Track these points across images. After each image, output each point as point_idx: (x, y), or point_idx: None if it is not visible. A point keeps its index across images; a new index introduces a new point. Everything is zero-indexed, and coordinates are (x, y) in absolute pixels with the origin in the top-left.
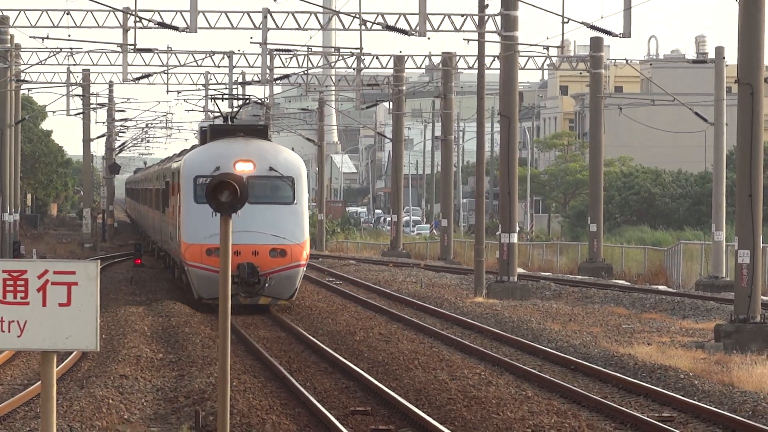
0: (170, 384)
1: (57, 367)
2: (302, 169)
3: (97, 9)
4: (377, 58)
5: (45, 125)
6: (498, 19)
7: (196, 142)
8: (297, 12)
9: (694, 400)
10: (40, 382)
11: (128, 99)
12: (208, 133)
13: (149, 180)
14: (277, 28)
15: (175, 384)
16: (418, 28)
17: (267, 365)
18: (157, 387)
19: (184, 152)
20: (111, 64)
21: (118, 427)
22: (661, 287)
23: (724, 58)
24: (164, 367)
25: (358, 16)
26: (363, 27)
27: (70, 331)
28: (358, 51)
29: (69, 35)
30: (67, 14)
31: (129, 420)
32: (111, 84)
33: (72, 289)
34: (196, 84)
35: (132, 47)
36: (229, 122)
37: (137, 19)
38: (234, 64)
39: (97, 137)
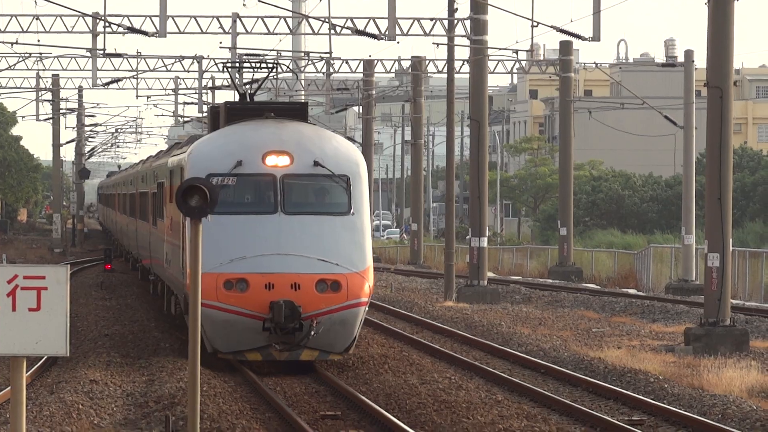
0: (140, 389)
1: (27, 372)
2: (361, 165)
3: (67, 14)
4: (347, 62)
5: (15, 131)
6: (467, 23)
7: (165, 147)
8: (266, 16)
9: (664, 404)
10: (9, 388)
11: (98, 104)
12: (224, 114)
13: (131, 183)
14: (247, 32)
15: (145, 389)
16: (387, 33)
17: (237, 369)
18: (127, 392)
19: (189, 141)
20: (80, 69)
21: None
22: (631, 291)
23: (693, 61)
24: (134, 372)
25: (327, 20)
26: (332, 31)
27: (39, 336)
28: (328, 55)
29: (38, 40)
30: (36, 19)
31: (99, 425)
32: (80, 89)
33: (42, 294)
34: (165, 89)
35: (101, 52)
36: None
37: (106, 24)
38: (204, 69)
39: (67, 142)
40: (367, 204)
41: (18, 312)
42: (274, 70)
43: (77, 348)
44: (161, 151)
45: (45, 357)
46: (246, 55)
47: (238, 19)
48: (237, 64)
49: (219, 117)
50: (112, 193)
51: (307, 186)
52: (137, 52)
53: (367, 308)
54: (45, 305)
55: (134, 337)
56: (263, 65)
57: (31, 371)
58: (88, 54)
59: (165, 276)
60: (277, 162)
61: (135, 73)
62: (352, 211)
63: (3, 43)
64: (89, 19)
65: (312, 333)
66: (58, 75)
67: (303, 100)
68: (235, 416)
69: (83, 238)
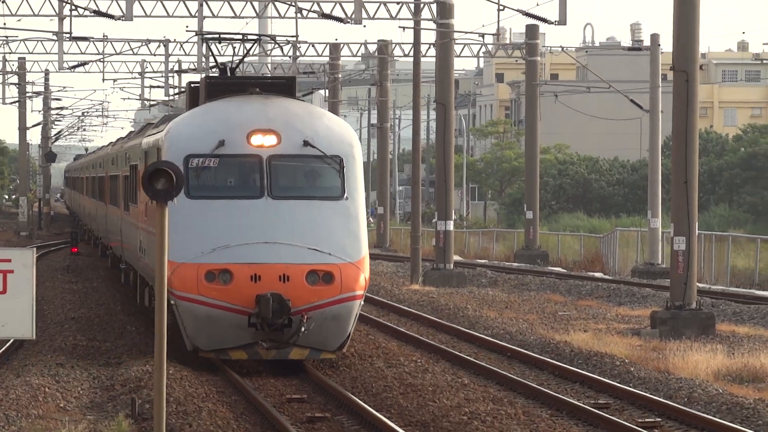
0: (107, 372)
1: None
2: (355, 146)
3: None
4: (313, 46)
5: None
6: (433, 6)
7: (131, 130)
8: (233, 0)
9: (630, 387)
10: None
11: (64, 87)
12: (204, 90)
13: (100, 165)
14: (213, 16)
15: (111, 372)
16: (353, 16)
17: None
18: (93, 375)
19: (165, 120)
20: (47, 53)
21: (54, 415)
22: (597, 274)
23: (659, 45)
24: (101, 355)
25: (293, 3)
26: (299, 15)
27: (5, 319)
28: (294, 39)
29: (4, 23)
30: (2, 2)
31: (65, 408)
32: (47, 72)
33: (7, 277)
34: (132, 72)
35: (68, 35)
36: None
37: (73, 7)
38: (170, 53)
39: (33, 125)
40: (362, 188)
41: None
42: (257, 44)
43: (43, 331)
44: (132, 131)
45: (11, 340)
46: (213, 38)
47: (204, 3)
48: (217, 37)
49: (198, 94)
50: (80, 176)
51: (296, 168)
52: (104, 36)
53: (362, 302)
54: (11, 288)
55: (100, 321)
56: (244, 38)
57: None
58: (55, 37)
59: (139, 266)
60: (263, 142)
61: (101, 56)
62: (345, 195)
63: None
64: (56, 3)
65: (302, 329)
66: (24, 58)
67: (290, 75)
68: (201, 399)
69: (50, 221)
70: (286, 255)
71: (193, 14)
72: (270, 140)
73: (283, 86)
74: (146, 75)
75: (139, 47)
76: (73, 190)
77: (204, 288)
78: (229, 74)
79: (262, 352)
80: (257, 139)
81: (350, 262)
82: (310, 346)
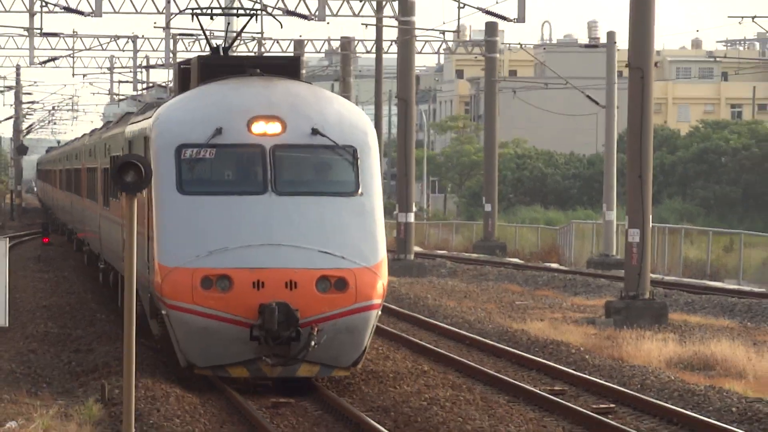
0: (77, 358)
1: None
2: (370, 134)
3: None
4: (277, 42)
5: None
6: (395, 4)
7: (102, 123)
8: None
9: (585, 374)
10: None
11: (35, 82)
12: (196, 71)
13: (75, 157)
14: (180, 12)
15: (81, 358)
16: (317, 13)
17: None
18: (64, 361)
19: (148, 107)
20: (18, 48)
21: (26, 400)
22: (554, 265)
23: (615, 42)
24: (71, 342)
25: (259, 1)
26: (263, 12)
27: None
28: (259, 35)
29: None
30: None
31: (37, 393)
32: (18, 67)
33: None
34: (101, 67)
35: (38, 31)
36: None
37: (43, 3)
38: (138, 48)
39: (5, 119)
40: (379, 182)
41: None
42: (255, 17)
43: (16, 319)
44: (110, 122)
45: None
46: (179, 35)
47: (172, 0)
48: (210, 11)
49: (190, 76)
50: (53, 168)
51: (304, 159)
52: (73, 32)
53: (380, 312)
54: None
55: (71, 309)
56: (242, 11)
57: None
58: (26, 33)
59: (120, 267)
60: (266, 129)
61: (71, 52)
62: (359, 190)
63: None
64: None
65: (312, 344)
66: (17, 74)
67: (294, 55)
68: (170, 384)
69: (21, 213)
70: (293, 259)
71: (160, 11)
72: (274, 128)
73: (286, 67)
74: (115, 70)
75: (108, 43)
76: (46, 183)
77: (200, 296)
78: (221, 54)
79: (266, 369)
80: (259, 127)
81: (366, 267)
82: (320, 362)
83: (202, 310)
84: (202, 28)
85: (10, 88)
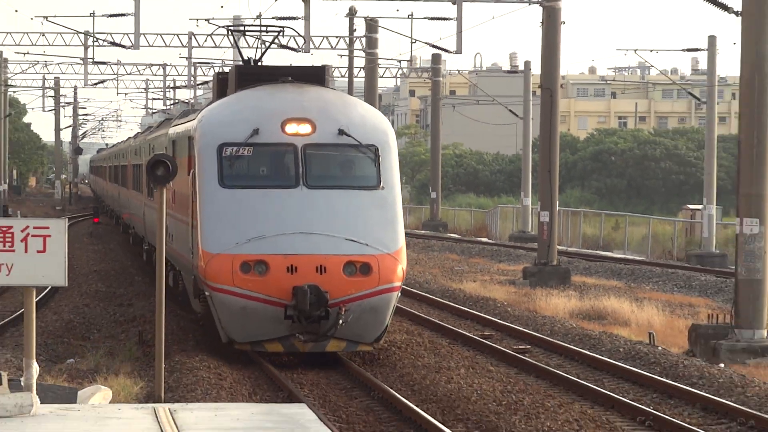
0: (120, 311)
1: (36, 298)
2: (390, 135)
3: (65, 32)
4: None
5: (26, 119)
6: (363, 40)
7: (139, 131)
8: (214, 34)
9: (508, 323)
10: (23, 310)
11: (88, 99)
12: (234, 78)
13: (122, 156)
14: (199, 46)
15: (123, 311)
16: (303, 47)
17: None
18: (110, 313)
19: (185, 113)
20: (75, 73)
21: (81, 342)
22: (483, 239)
23: (530, 69)
24: (116, 298)
25: (259, 36)
26: (263, 45)
27: (45, 272)
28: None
29: (44, 51)
30: (43, 36)
31: (89, 337)
32: (75, 88)
33: (47, 240)
34: (138, 88)
35: (91, 60)
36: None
37: (95, 39)
38: (167, 73)
39: (65, 128)
40: (398, 177)
41: (29, 253)
42: (280, 34)
43: (73, 280)
44: (151, 127)
45: (49, 287)
46: (199, 63)
47: (193, 36)
48: (241, 28)
49: (226, 84)
50: (103, 165)
51: (332, 157)
52: (117, 60)
53: (399, 294)
54: (49, 248)
55: (116, 273)
56: (268, 29)
57: (39, 297)
58: (81, 61)
59: (169, 252)
60: (298, 130)
61: (116, 76)
62: (381, 184)
63: (17, 53)
64: (82, 36)
65: (341, 322)
66: (58, 78)
67: (321, 66)
68: (192, 330)
69: (77, 199)
70: (323, 245)
71: (184, 45)
72: (304, 129)
73: (314, 75)
74: (149, 90)
75: (144, 69)
76: (98, 177)
77: (239, 279)
78: (253, 65)
79: (298, 345)
80: (292, 128)
81: (388, 253)
82: (347, 339)
83: (241, 292)
84: (235, 44)
85: (69, 103)
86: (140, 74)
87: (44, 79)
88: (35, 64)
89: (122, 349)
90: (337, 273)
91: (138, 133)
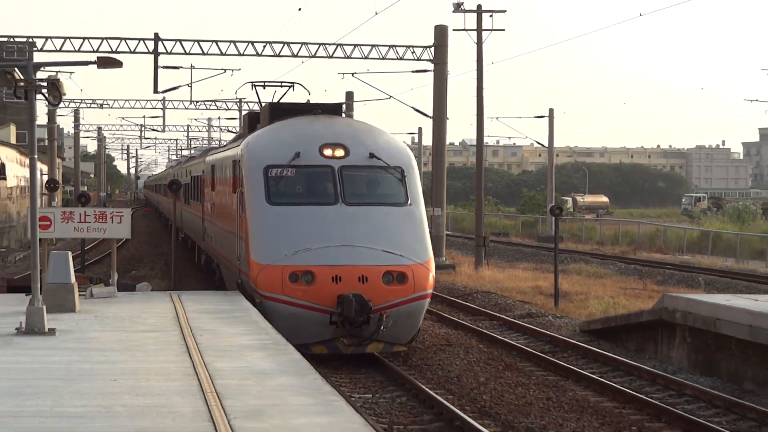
0: (156, 251)
1: (117, 244)
2: (412, 158)
3: (129, 124)
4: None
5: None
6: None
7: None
8: (230, 104)
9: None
10: (111, 251)
11: (142, 154)
12: (267, 113)
13: (164, 178)
14: (210, 128)
15: (157, 251)
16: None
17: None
18: (151, 252)
19: (207, 151)
20: (134, 140)
21: (137, 264)
22: None
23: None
24: (154, 246)
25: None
26: (296, 84)
27: (121, 232)
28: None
29: (120, 130)
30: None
31: (141, 261)
32: (137, 150)
33: (122, 218)
34: (178, 147)
35: (145, 126)
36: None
37: (144, 127)
38: (210, 125)
39: (132, 167)
40: (421, 195)
41: (114, 223)
42: (291, 88)
43: (134, 237)
44: (184, 157)
45: (123, 239)
46: (260, 84)
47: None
48: (262, 84)
49: (257, 120)
50: (152, 184)
51: (365, 177)
52: (155, 137)
53: (429, 299)
54: (123, 221)
55: (158, 235)
56: (282, 84)
57: (118, 244)
58: (138, 138)
59: (207, 250)
60: (334, 153)
61: (155, 141)
62: (409, 201)
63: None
64: (138, 127)
65: (382, 327)
66: (129, 144)
67: (338, 102)
68: (194, 274)
69: (135, 200)
70: (364, 257)
71: (201, 128)
72: (339, 152)
73: (333, 109)
74: (174, 146)
75: (171, 141)
76: (149, 191)
77: (288, 288)
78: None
79: (342, 347)
80: (328, 152)
81: (420, 263)
82: (385, 341)
83: (290, 300)
84: (257, 93)
85: (133, 156)
86: (167, 141)
87: (122, 146)
88: (117, 140)
89: (156, 268)
90: (377, 282)
91: (173, 165)
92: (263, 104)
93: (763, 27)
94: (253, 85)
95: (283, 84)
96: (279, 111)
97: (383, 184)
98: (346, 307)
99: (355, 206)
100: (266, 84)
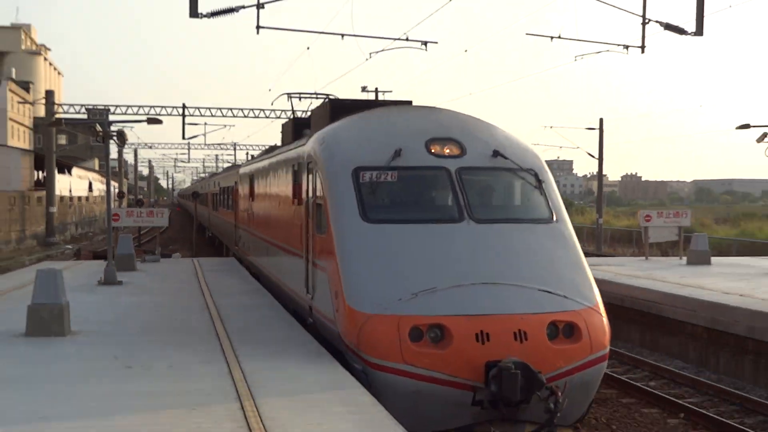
0: (186, 236)
1: (160, 231)
2: (542, 160)
3: (164, 158)
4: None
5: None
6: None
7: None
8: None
9: None
10: (155, 234)
11: (175, 175)
12: (327, 113)
13: (202, 187)
14: (235, 151)
15: (187, 236)
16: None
17: None
18: (182, 237)
19: (235, 166)
20: (173, 167)
21: (174, 244)
22: None
23: None
24: (185, 233)
25: (312, 100)
26: (330, 95)
27: (161, 222)
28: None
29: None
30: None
31: (177, 240)
32: (173, 174)
33: (163, 214)
34: (205, 168)
35: (180, 161)
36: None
37: (177, 159)
38: (235, 149)
39: (171, 184)
40: (565, 210)
41: (157, 217)
42: (327, 98)
43: (171, 226)
44: (215, 173)
45: (164, 227)
46: (295, 95)
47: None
48: (298, 96)
49: (304, 126)
50: (182, 194)
51: (491, 183)
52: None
53: (607, 363)
54: (163, 215)
55: (188, 227)
56: (318, 96)
57: (161, 231)
58: (174, 162)
59: (227, 242)
60: (448, 151)
61: (185, 165)
62: (554, 216)
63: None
64: (172, 159)
65: (556, 404)
66: (168, 170)
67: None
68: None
69: (173, 204)
70: (514, 301)
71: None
72: (454, 149)
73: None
74: (219, 161)
75: (213, 150)
76: (181, 199)
77: (410, 353)
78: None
79: None
80: (438, 149)
81: (590, 307)
82: (541, 422)
83: (413, 371)
84: (291, 104)
85: (170, 177)
86: (191, 168)
87: (164, 170)
88: (161, 167)
89: (185, 245)
90: (541, 340)
91: (203, 178)
92: (325, 100)
93: None
94: (289, 96)
95: (318, 96)
96: (342, 110)
97: (516, 192)
98: (507, 384)
99: (487, 224)
100: (302, 96)
